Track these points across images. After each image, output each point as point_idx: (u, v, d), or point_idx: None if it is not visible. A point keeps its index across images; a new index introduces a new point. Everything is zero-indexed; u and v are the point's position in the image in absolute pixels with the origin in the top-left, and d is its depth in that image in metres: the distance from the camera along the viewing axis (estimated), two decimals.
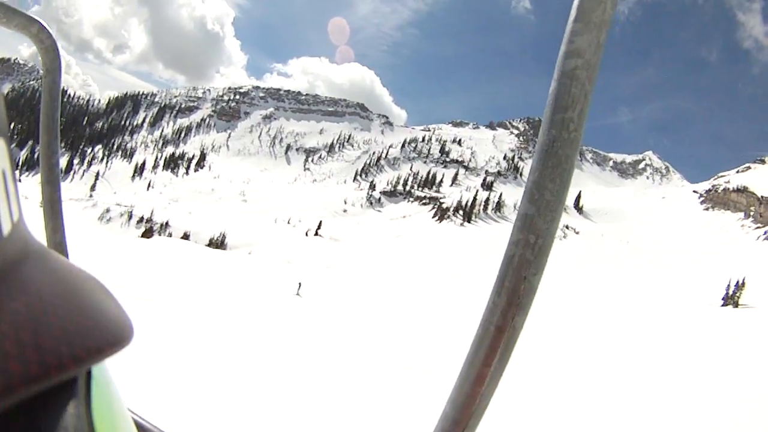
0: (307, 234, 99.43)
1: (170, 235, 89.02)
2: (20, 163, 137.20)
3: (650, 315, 23.19)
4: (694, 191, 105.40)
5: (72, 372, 0.17)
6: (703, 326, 19.34)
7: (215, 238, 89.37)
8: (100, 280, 0.26)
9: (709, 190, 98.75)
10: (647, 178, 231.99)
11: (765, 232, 69.09)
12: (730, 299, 39.66)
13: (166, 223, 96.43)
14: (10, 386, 0.14)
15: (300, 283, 18.06)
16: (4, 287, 0.17)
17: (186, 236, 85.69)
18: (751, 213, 79.65)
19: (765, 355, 13.77)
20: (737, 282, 41.00)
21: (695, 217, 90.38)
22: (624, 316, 20.92)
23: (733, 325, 20.43)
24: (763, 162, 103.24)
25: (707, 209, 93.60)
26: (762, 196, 79.21)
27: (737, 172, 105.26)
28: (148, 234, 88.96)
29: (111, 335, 0.20)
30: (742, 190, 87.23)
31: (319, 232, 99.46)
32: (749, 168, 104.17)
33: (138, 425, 0.72)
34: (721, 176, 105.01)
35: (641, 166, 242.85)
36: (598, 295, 40.49)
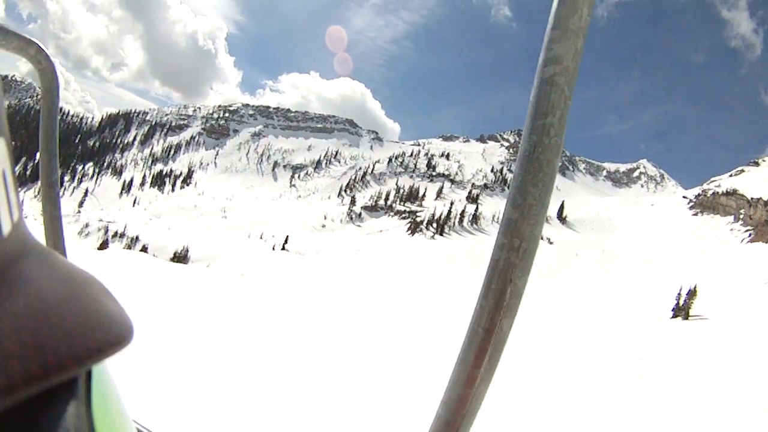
0: (273, 248, 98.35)
1: (129, 248, 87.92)
2: None
3: (575, 332, 17.69)
4: (684, 197, 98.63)
5: (72, 372, 0.16)
6: (626, 343, 14.02)
7: (179, 252, 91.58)
8: (100, 281, 0.25)
9: (698, 195, 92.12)
10: (641, 186, 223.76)
11: (749, 235, 62.34)
12: (681, 310, 33.42)
13: (136, 238, 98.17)
14: (10, 386, 0.14)
15: None
16: (4, 287, 0.17)
17: (144, 249, 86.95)
18: (741, 216, 72.94)
19: (677, 384, 8.62)
20: (689, 290, 34.75)
21: (682, 223, 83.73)
22: (545, 334, 15.65)
23: (657, 343, 14.93)
24: (757, 164, 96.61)
25: (696, 214, 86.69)
26: (752, 198, 72.58)
27: (730, 176, 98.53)
28: (103, 246, 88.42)
29: (111, 335, 0.20)
30: (732, 194, 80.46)
31: (286, 246, 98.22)
32: (742, 171, 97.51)
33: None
34: (713, 181, 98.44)
35: (635, 174, 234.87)
36: (546, 308, 35.03)
